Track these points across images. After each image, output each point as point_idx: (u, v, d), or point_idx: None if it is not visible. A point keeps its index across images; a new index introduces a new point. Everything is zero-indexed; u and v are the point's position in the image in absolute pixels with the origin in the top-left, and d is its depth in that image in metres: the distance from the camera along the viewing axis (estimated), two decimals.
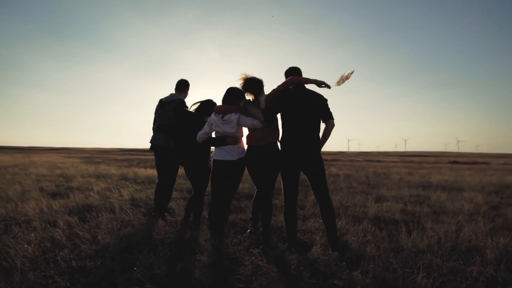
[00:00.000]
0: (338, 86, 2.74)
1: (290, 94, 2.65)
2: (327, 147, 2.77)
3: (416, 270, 2.06)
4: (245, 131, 2.92)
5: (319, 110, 2.65)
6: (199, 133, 2.87)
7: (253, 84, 2.75)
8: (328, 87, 2.66)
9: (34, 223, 2.95)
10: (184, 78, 3.65)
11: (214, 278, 1.90)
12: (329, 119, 2.68)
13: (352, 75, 2.69)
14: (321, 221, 3.36)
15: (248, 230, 2.87)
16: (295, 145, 2.59)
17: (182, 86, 3.58)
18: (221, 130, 2.79)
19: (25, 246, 2.25)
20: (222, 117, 2.78)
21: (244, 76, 2.77)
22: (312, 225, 3.23)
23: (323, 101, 2.69)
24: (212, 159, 2.96)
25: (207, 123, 2.88)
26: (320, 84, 2.66)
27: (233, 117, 2.75)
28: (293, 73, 2.82)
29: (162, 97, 3.56)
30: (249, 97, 2.87)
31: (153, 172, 9.52)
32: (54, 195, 4.91)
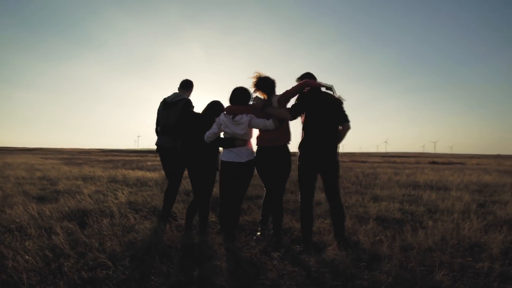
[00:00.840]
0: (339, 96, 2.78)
1: (312, 96, 2.66)
2: None
3: (429, 268, 2.13)
4: (255, 132, 2.89)
5: (338, 113, 2.67)
6: (207, 133, 2.79)
7: (266, 83, 2.72)
8: (334, 92, 2.70)
9: (28, 230, 2.74)
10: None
11: (237, 284, 1.85)
12: (345, 122, 2.72)
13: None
14: (327, 221, 3.42)
15: (258, 233, 2.83)
16: (317, 147, 2.60)
17: (187, 86, 3.48)
18: (230, 131, 2.73)
19: (26, 257, 2.07)
20: (233, 118, 2.73)
21: (257, 74, 2.74)
22: (318, 226, 3.24)
23: (339, 103, 2.71)
24: (220, 161, 2.90)
25: (215, 123, 2.81)
26: (328, 88, 2.69)
27: (245, 118, 2.70)
28: (307, 78, 2.83)
29: (159, 96, 3.46)
30: (260, 96, 2.84)
31: (143, 174, 9.21)
32: (40, 199, 4.61)
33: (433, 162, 23.30)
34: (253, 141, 2.90)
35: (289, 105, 2.75)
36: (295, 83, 2.89)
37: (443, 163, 22.40)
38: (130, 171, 10.07)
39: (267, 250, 2.41)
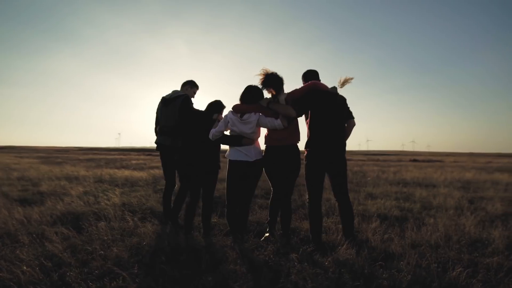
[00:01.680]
0: (340, 88, 2.78)
1: (318, 94, 2.62)
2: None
3: (441, 264, 2.16)
4: (262, 131, 2.82)
5: (343, 110, 2.66)
6: (213, 130, 2.70)
7: (275, 80, 2.66)
8: (335, 89, 2.69)
9: (19, 237, 2.50)
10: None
11: None
12: (350, 118, 2.72)
13: (352, 79, 2.75)
14: (330, 220, 3.42)
15: (267, 234, 2.77)
16: (325, 145, 2.58)
17: (189, 84, 3.34)
18: (238, 130, 2.66)
19: (24, 268, 1.87)
20: (241, 116, 2.65)
21: (265, 71, 2.67)
22: (323, 225, 3.23)
23: (344, 100, 2.71)
24: (223, 160, 2.81)
25: (222, 121, 2.72)
26: (333, 91, 2.67)
27: (253, 117, 2.64)
28: (311, 76, 2.80)
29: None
30: (267, 94, 2.78)
31: (130, 173, 8.85)
32: (23, 201, 4.27)
33: (414, 160, 24.30)
34: (261, 140, 2.84)
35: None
36: (300, 83, 2.85)
37: (423, 161, 23.41)
38: (116, 171, 9.65)
39: (279, 252, 2.36)
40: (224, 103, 3.03)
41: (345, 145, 2.70)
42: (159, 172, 9.32)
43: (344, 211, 2.63)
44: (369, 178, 8.25)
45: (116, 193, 4.77)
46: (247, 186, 2.70)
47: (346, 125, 2.75)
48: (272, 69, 2.69)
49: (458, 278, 1.91)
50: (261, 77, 2.68)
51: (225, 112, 2.92)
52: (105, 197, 4.40)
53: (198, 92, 3.48)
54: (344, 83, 2.71)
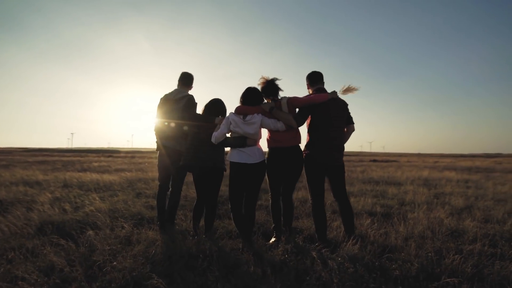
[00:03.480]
0: (342, 95, 2.94)
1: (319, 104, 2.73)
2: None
3: (435, 254, 2.43)
4: (264, 133, 2.88)
5: (344, 114, 2.82)
6: (216, 133, 2.68)
7: (274, 87, 2.78)
8: (335, 94, 2.84)
9: (3, 252, 2.16)
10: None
11: None
12: (350, 123, 2.89)
13: (356, 90, 2.89)
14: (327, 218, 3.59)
15: (273, 238, 2.77)
16: (327, 147, 2.70)
17: (188, 80, 3.21)
18: (242, 131, 2.67)
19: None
20: (244, 117, 2.67)
21: (264, 79, 2.80)
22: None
23: (346, 105, 2.87)
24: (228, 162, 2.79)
25: (223, 123, 2.70)
26: (334, 95, 2.82)
27: (257, 118, 2.68)
28: (316, 78, 2.90)
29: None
30: (265, 99, 2.86)
31: (99, 176, 8.13)
32: None
33: (374, 160, 26.40)
34: (262, 142, 2.88)
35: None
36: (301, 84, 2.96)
37: (382, 161, 25.56)
38: (81, 174, 8.80)
39: (292, 251, 2.42)
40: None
41: (343, 148, 2.85)
42: (130, 175, 8.74)
43: (344, 210, 2.78)
44: None
45: (96, 198, 4.37)
46: (253, 188, 2.71)
47: (345, 129, 2.92)
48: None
49: (453, 264, 2.17)
50: (261, 83, 2.80)
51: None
52: (88, 203, 4.02)
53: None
54: (346, 91, 2.84)
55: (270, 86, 2.79)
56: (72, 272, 1.88)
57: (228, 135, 2.78)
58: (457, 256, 2.28)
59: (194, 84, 3.28)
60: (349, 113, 2.91)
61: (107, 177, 7.88)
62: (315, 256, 2.21)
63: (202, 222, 2.94)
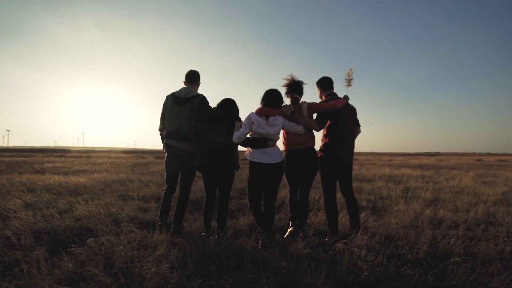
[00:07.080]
0: (350, 87, 3.20)
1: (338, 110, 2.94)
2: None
3: (432, 239, 2.78)
4: (281, 134, 2.98)
5: (355, 119, 3.07)
6: (237, 133, 2.72)
7: (299, 87, 2.91)
8: (348, 98, 3.09)
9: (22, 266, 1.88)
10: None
11: (333, 279, 1.92)
12: (358, 126, 3.15)
13: (352, 72, 3.19)
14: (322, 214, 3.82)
15: (290, 228, 2.93)
16: (342, 149, 2.92)
17: (195, 78, 3.13)
18: (264, 132, 2.75)
19: None
20: (266, 119, 2.74)
21: (290, 78, 2.88)
22: (321, 219, 3.59)
23: (355, 110, 3.13)
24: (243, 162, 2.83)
25: (245, 123, 2.74)
26: (346, 99, 3.06)
27: (279, 119, 2.78)
28: (327, 84, 3.08)
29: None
30: (287, 98, 2.96)
31: (63, 179, 7.32)
32: None
33: None
34: (279, 144, 2.98)
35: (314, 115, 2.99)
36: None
37: None
38: (40, 176, 7.82)
39: (313, 245, 2.56)
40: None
41: (354, 149, 3.11)
42: (100, 176, 8.05)
43: (351, 206, 3.04)
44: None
45: (81, 202, 3.98)
46: (273, 187, 2.80)
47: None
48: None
49: (448, 246, 2.54)
50: (287, 81, 2.88)
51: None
52: (74, 207, 3.64)
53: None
54: (349, 81, 3.12)
55: (297, 84, 2.92)
56: (102, 281, 1.74)
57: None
58: (447, 240, 2.66)
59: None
60: (356, 116, 3.17)
61: (75, 179, 7.15)
62: (341, 247, 2.37)
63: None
